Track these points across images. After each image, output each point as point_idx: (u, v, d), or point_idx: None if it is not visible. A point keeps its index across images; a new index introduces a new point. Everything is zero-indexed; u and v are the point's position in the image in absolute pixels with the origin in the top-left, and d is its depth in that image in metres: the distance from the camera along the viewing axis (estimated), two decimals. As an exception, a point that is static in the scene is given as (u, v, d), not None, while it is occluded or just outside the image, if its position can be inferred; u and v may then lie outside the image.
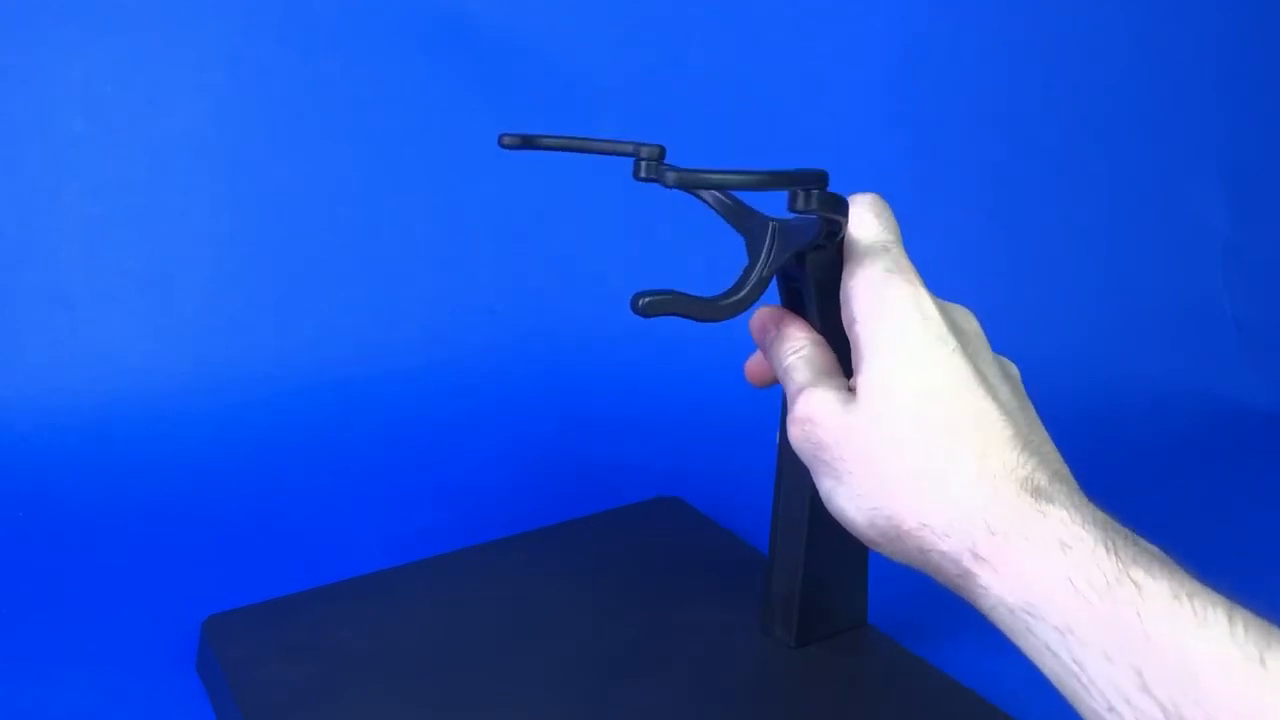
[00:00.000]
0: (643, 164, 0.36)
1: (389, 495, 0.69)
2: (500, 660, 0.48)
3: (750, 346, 0.44)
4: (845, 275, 0.38)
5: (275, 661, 0.47)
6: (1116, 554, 0.29)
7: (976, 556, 0.32)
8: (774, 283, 0.41)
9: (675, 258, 0.86)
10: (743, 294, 0.38)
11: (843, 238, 0.39)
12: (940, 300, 0.37)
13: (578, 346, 0.85)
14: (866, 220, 0.38)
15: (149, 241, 0.80)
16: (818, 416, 0.36)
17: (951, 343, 0.35)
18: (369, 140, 0.84)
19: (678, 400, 0.80)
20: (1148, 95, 0.98)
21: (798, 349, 0.40)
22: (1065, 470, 0.34)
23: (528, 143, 0.43)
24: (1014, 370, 0.39)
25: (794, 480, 0.47)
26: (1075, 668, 0.29)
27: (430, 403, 0.80)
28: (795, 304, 0.42)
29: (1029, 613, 0.30)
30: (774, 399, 0.46)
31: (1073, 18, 0.96)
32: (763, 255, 0.38)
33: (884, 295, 0.36)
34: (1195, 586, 0.29)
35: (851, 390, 0.37)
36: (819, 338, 0.40)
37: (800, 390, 0.38)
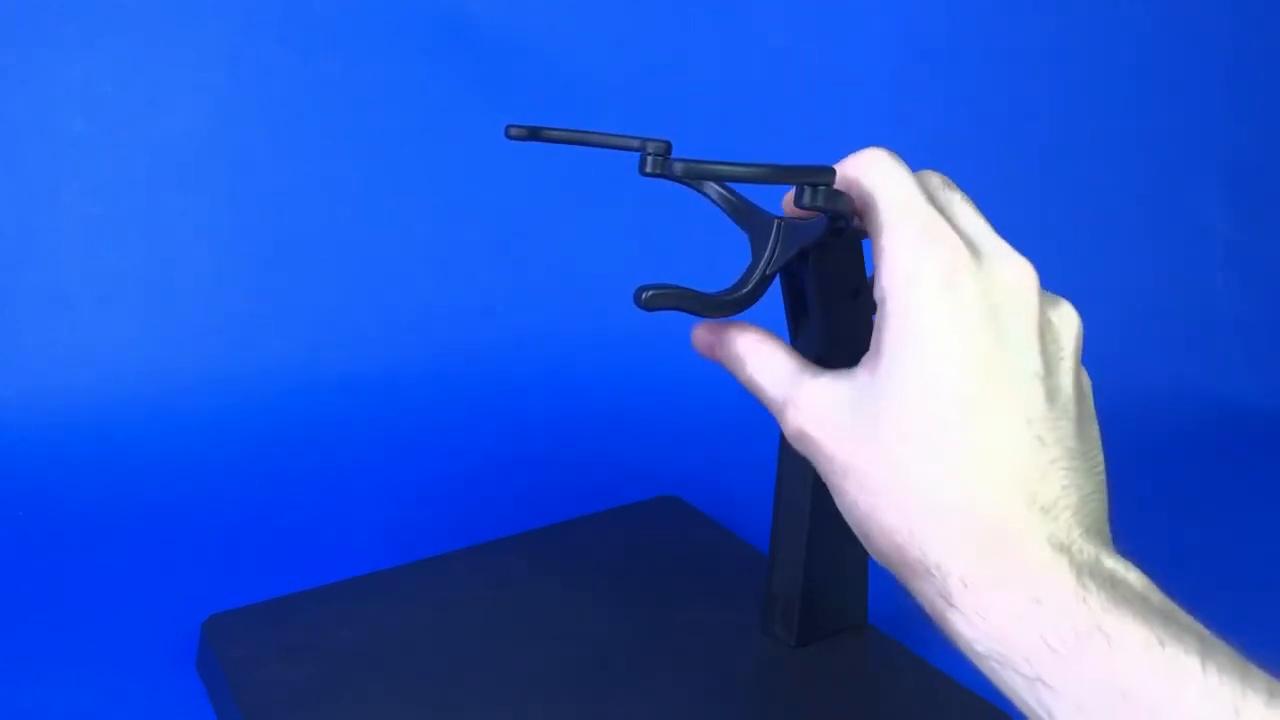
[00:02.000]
0: (649, 159, 0.35)
1: (389, 495, 0.69)
2: (500, 660, 0.48)
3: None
4: (875, 242, 0.34)
5: (275, 661, 0.47)
6: (1088, 602, 0.28)
7: (949, 603, 0.31)
8: (777, 281, 0.41)
9: (677, 258, 0.86)
10: (745, 290, 0.38)
11: (849, 233, 0.39)
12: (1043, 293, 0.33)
13: (577, 346, 0.85)
14: (890, 175, 0.34)
15: (149, 241, 0.80)
16: (808, 428, 0.34)
17: (981, 341, 0.31)
18: (369, 140, 0.84)
19: (678, 400, 0.80)
20: (1148, 95, 0.98)
21: (754, 352, 0.37)
22: (1068, 500, 0.31)
23: (534, 135, 0.43)
24: (1085, 386, 0.34)
25: (794, 480, 0.47)
26: (1045, 715, 0.29)
27: (430, 402, 0.80)
28: (798, 303, 0.42)
29: (998, 661, 0.30)
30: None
31: (1073, 18, 0.96)
32: (766, 252, 0.38)
33: (918, 266, 0.32)
34: (1171, 630, 0.27)
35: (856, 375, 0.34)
36: (765, 336, 0.38)
37: (780, 404, 0.35)
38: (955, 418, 0.31)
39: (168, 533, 0.64)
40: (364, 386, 0.80)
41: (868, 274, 0.41)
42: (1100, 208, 0.96)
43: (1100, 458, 0.33)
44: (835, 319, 0.40)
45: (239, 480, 0.70)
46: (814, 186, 0.33)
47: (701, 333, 0.39)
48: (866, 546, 0.33)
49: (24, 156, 0.77)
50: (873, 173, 0.34)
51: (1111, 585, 0.29)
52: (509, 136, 0.43)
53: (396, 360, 0.82)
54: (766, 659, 0.48)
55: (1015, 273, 0.33)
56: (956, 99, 0.94)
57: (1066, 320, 0.34)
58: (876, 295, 0.33)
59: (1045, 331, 0.33)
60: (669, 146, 0.36)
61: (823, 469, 0.34)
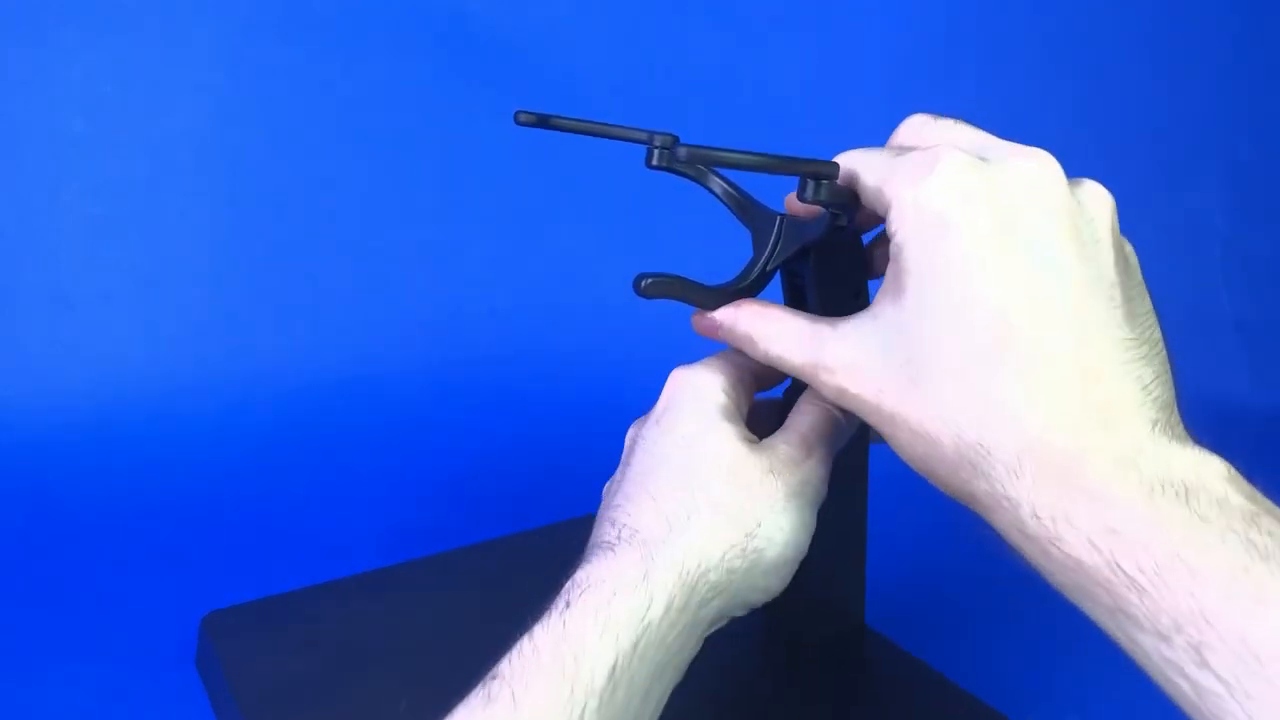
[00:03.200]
0: (655, 152, 0.35)
1: (388, 494, 0.69)
2: (499, 658, 0.47)
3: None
4: (882, 205, 0.33)
5: (273, 657, 0.47)
6: (1164, 528, 0.27)
7: (1024, 534, 0.30)
8: (777, 277, 0.41)
9: (679, 259, 0.85)
10: (746, 284, 0.38)
11: (851, 233, 0.38)
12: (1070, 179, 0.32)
13: (578, 346, 0.85)
14: (868, 152, 0.34)
15: (149, 241, 0.80)
16: (846, 385, 0.33)
17: (1004, 249, 0.30)
18: (368, 140, 0.84)
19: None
20: (1148, 95, 0.98)
21: (764, 325, 0.36)
22: (1128, 398, 0.30)
23: (543, 122, 0.43)
24: (1131, 258, 0.34)
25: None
26: (1129, 642, 0.28)
27: (430, 402, 0.80)
28: (798, 299, 0.42)
29: (1079, 590, 0.29)
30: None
31: (1073, 17, 0.96)
32: (768, 248, 0.38)
33: (919, 191, 0.31)
34: (1257, 544, 0.26)
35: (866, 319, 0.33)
36: (765, 306, 0.37)
37: (811, 370, 0.34)
38: (990, 343, 0.30)
39: (167, 531, 0.64)
40: (363, 386, 0.80)
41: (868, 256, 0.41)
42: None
43: (1157, 333, 0.32)
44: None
45: (238, 479, 0.70)
46: (817, 180, 0.33)
47: (700, 320, 0.38)
48: (936, 485, 0.32)
49: (24, 156, 0.77)
50: (853, 160, 0.34)
51: (1186, 499, 0.28)
52: (518, 122, 0.43)
53: (396, 360, 0.82)
54: (764, 661, 0.48)
55: (1032, 166, 0.31)
56: (956, 98, 0.94)
57: (1096, 199, 0.32)
58: (890, 232, 0.32)
59: (1078, 217, 0.31)
60: (675, 140, 0.36)
61: (871, 421, 0.33)
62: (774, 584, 0.36)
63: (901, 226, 0.31)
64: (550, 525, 0.60)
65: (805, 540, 0.37)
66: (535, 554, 0.56)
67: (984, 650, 0.53)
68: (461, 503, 0.68)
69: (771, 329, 0.36)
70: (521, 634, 0.33)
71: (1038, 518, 0.29)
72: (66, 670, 0.52)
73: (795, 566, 0.37)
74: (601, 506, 0.38)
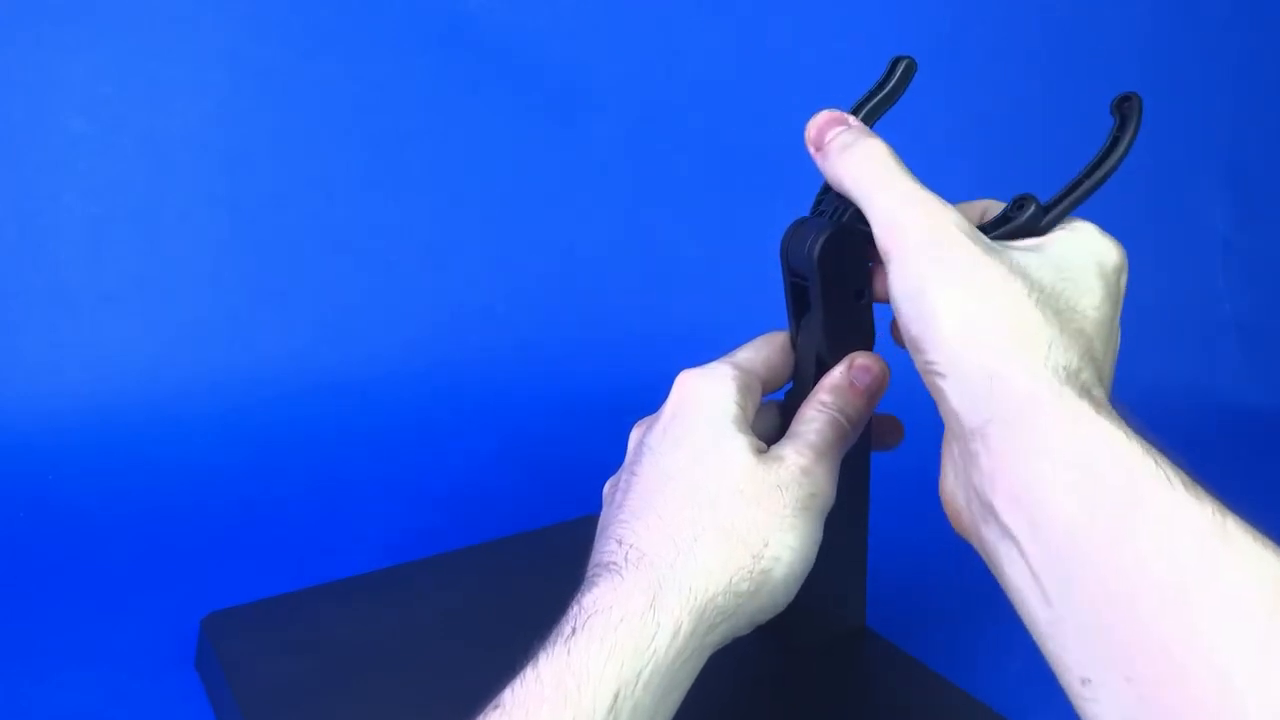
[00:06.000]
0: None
1: (388, 495, 0.69)
2: (498, 659, 0.47)
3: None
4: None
5: (272, 657, 0.47)
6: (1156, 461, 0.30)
7: (984, 432, 0.31)
8: (779, 283, 0.41)
9: (676, 260, 0.86)
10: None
11: (860, 239, 0.38)
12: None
13: (578, 347, 0.85)
14: None
15: (149, 241, 0.80)
16: (952, 237, 0.34)
17: (1116, 302, 0.39)
18: (369, 141, 0.84)
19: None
20: (1148, 95, 0.98)
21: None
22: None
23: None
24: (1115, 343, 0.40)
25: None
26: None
27: (430, 403, 0.80)
28: (800, 300, 0.42)
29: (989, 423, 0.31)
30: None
31: (1074, 17, 0.96)
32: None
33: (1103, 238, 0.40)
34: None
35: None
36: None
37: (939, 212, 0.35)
38: (1070, 296, 0.36)
39: (167, 532, 0.64)
40: (364, 387, 0.80)
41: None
42: (1100, 208, 0.96)
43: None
44: (838, 317, 0.41)
45: (238, 480, 0.70)
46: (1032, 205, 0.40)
47: (831, 117, 0.40)
48: (910, 302, 0.34)
49: (24, 156, 0.77)
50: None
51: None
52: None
53: (394, 361, 0.82)
54: (765, 663, 0.48)
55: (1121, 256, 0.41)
56: (957, 98, 0.94)
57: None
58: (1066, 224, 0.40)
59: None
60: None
61: (914, 264, 0.34)
62: (780, 602, 0.36)
63: (1085, 227, 0.40)
64: (550, 527, 0.60)
65: (812, 554, 0.37)
66: (535, 555, 0.57)
67: (985, 653, 0.53)
68: (461, 504, 0.68)
69: (899, 169, 0.37)
70: (526, 660, 0.33)
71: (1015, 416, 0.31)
72: (67, 671, 0.52)
73: (801, 581, 0.37)
74: (604, 514, 0.38)
